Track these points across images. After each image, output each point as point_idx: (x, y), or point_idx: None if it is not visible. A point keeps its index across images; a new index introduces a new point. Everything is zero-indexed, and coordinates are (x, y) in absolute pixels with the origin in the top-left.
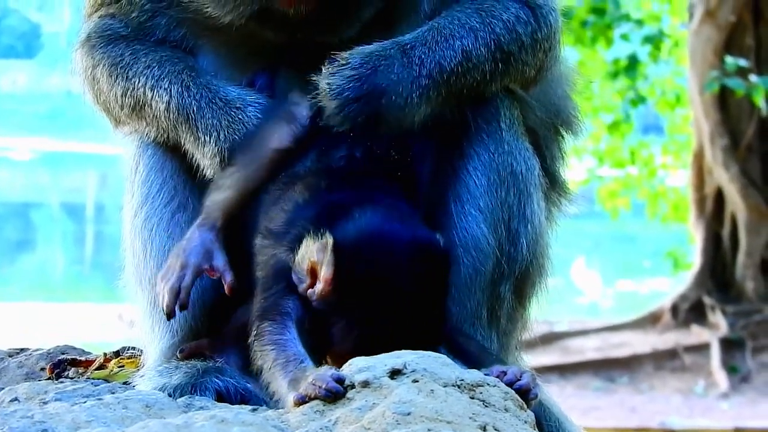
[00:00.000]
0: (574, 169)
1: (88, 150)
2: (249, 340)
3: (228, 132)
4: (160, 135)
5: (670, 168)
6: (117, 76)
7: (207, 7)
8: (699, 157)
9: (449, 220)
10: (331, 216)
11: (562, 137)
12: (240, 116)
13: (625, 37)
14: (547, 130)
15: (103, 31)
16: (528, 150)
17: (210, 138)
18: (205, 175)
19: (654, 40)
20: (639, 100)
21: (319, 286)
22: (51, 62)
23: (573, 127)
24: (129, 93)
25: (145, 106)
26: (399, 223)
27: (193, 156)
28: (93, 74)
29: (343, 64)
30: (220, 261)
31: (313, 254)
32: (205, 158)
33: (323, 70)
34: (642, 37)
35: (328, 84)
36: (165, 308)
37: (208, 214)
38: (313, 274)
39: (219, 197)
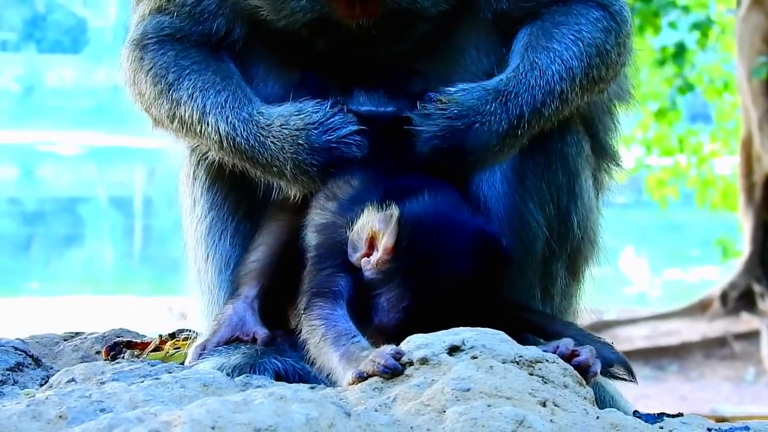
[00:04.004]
0: (622, 157)
1: (135, 144)
2: (297, 313)
3: (290, 155)
4: (216, 156)
5: (718, 155)
6: (162, 92)
7: (262, 11)
8: (747, 145)
9: (495, 201)
10: (399, 196)
11: (615, 107)
12: (285, 133)
13: (672, 25)
14: (600, 102)
15: (159, 31)
16: (578, 131)
17: (274, 169)
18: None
19: (702, 27)
20: (687, 87)
21: (377, 255)
22: (97, 57)
23: (626, 99)
24: (176, 117)
25: (196, 134)
26: (469, 214)
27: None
28: (136, 79)
29: (441, 108)
30: (250, 324)
31: (376, 224)
32: (281, 181)
33: (419, 106)
34: (689, 24)
35: (420, 127)
36: (187, 363)
37: (240, 285)
38: (371, 244)
39: (248, 266)
